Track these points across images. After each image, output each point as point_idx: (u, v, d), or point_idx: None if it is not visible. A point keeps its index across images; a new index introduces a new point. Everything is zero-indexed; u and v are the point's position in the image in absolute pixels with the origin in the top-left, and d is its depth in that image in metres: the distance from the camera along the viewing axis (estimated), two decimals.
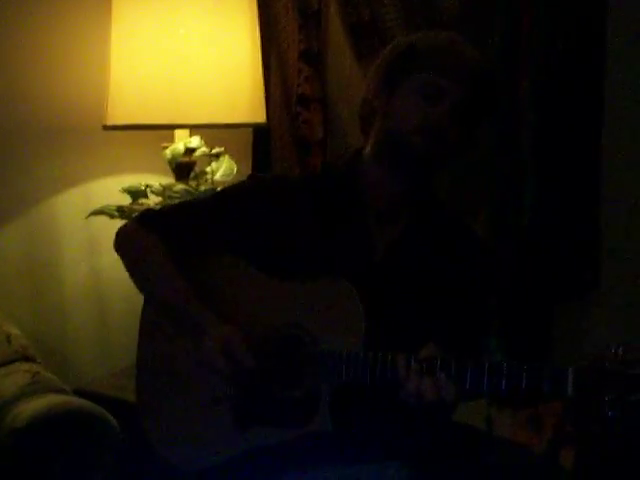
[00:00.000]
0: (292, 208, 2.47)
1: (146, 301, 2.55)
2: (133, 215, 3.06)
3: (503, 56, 3.74)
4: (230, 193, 2.68)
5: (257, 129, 3.57)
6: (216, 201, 2.62)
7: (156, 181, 3.27)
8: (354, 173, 2.45)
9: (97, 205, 3.28)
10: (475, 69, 2.35)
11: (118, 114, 3.22)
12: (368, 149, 2.41)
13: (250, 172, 3.52)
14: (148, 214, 2.63)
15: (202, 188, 3.21)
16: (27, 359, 3.06)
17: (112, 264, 2.61)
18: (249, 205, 2.50)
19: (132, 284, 2.53)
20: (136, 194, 3.22)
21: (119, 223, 2.90)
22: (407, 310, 2.30)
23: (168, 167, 3.28)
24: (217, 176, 3.28)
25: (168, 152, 3.25)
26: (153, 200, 3.18)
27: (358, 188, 2.44)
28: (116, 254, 2.57)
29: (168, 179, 3.28)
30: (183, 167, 3.26)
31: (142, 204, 3.18)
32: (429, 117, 2.31)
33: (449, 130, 2.31)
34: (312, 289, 2.32)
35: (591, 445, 3.15)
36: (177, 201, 3.08)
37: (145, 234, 2.49)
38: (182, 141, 3.25)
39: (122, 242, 2.54)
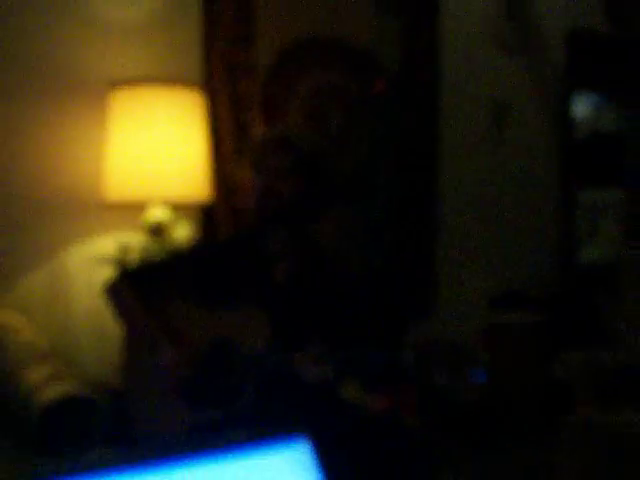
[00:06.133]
0: (218, 261, 2.62)
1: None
2: (120, 264, 3.21)
3: (368, 159, 4.08)
4: (179, 256, 2.93)
5: (205, 203, 3.62)
6: (171, 261, 2.84)
7: (134, 240, 3.38)
8: (257, 234, 2.62)
9: (100, 255, 3.39)
10: (288, 145, 2.48)
11: (111, 193, 3.30)
12: None
13: (200, 234, 3.69)
14: (125, 273, 2.80)
15: (167, 245, 3.30)
16: (51, 360, 3.06)
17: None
18: (190, 262, 2.70)
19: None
20: (124, 248, 3.32)
21: (112, 269, 3.19)
22: (300, 321, 2.43)
23: (145, 230, 3.35)
24: (179, 237, 3.39)
25: (145, 219, 3.35)
26: (134, 253, 3.28)
27: (260, 243, 2.60)
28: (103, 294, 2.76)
29: (144, 238, 3.35)
30: (156, 229, 3.33)
31: (126, 256, 3.27)
32: (258, 184, 2.51)
33: (280, 189, 2.46)
34: (234, 315, 2.45)
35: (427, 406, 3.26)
36: (152, 254, 3.24)
37: (122, 284, 2.67)
38: (155, 212, 3.34)
39: (108, 293, 2.70)
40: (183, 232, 3.40)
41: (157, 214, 3.33)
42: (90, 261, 3.42)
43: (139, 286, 2.62)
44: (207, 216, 3.78)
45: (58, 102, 3.47)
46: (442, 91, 4.49)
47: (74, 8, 3.50)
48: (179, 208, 3.44)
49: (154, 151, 3.23)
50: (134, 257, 3.26)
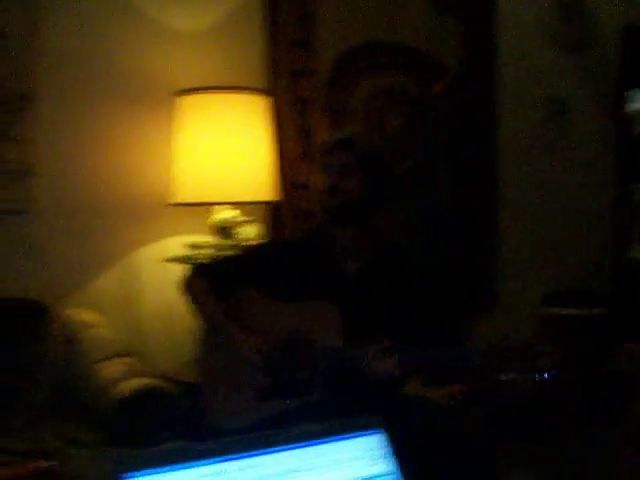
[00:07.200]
0: (291, 257, 2.63)
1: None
2: (192, 262, 3.23)
3: (427, 152, 4.08)
4: (253, 251, 2.95)
5: (271, 204, 3.72)
6: (244, 256, 2.88)
7: (206, 239, 3.43)
8: (328, 231, 2.61)
9: (168, 255, 3.48)
10: (349, 145, 2.50)
11: (180, 195, 3.37)
12: None
13: (267, 233, 3.73)
14: (200, 267, 2.86)
15: (235, 243, 3.35)
16: (125, 355, 3.18)
17: (178, 293, 2.76)
18: (264, 258, 2.71)
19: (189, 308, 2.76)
20: (194, 247, 3.41)
21: (183, 267, 3.22)
22: (369, 316, 2.42)
23: (213, 229, 3.43)
24: (246, 236, 3.43)
25: (214, 220, 3.43)
26: (205, 251, 3.34)
27: (330, 240, 2.59)
28: (179, 289, 2.77)
29: (212, 237, 3.42)
30: (223, 229, 3.40)
31: (198, 254, 3.35)
32: (325, 184, 2.51)
33: (345, 187, 2.46)
34: (306, 307, 2.46)
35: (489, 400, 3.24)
36: (221, 252, 3.28)
37: (198, 281, 2.69)
38: (223, 212, 3.42)
39: (184, 287, 2.74)
40: (250, 232, 3.42)
41: (224, 215, 3.39)
42: (160, 261, 3.49)
43: (213, 279, 2.65)
44: (273, 216, 3.84)
45: (129, 109, 3.57)
46: (499, 90, 4.48)
47: (142, 19, 3.59)
48: (246, 208, 3.48)
49: (221, 154, 3.28)
50: (203, 256, 3.28)
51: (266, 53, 3.84)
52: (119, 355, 3.14)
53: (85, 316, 3.26)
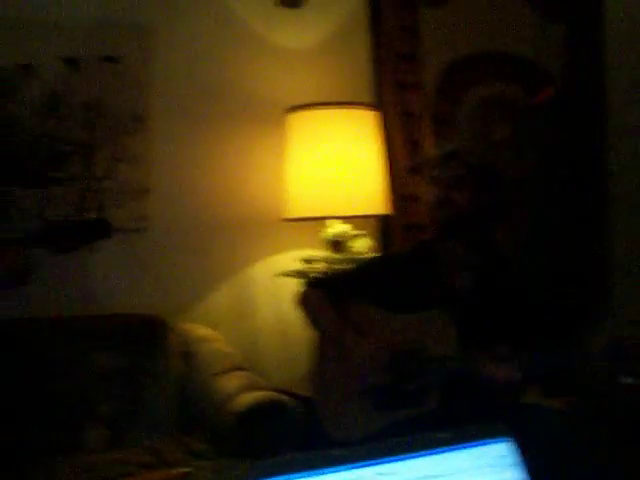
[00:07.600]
0: (402, 270, 2.65)
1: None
2: (305, 276, 3.25)
3: (537, 167, 3.99)
4: (365, 265, 2.98)
5: (382, 217, 3.70)
6: (357, 270, 2.91)
7: (317, 253, 3.48)
8: (436, 243, 2.63)
9: (282, 270, 3.52)
10: (456, 158, 2.54)
11: (292, 210, 3.44)
12: None
13: (378, 246, 3.70)
14: (315, 280, 2.91)
15: (348, 257, 3.37)
16: (241, 369, 3.22)
17: (291, 307, 2.86)
18: (376, 271, 2.75)
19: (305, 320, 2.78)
20: (307, 262, 3.45)
21: (296, 281, 3.27)
22: (483, 323, 2.41)
23: (325, 243, 3.46)
24: (358, 249, 3.43)
25: (326, 234, 3.45)
26: (318, 265, 3.37)
27: (440, 251, 2.60)
28: (295, 302, 2.82)
29: (325, 251, 3.46)
30: (336, 243, 3.43)
31: (311, 269, 3.38)
32: (433, 197, 2.55)
33: (454, 200, 2.49)
34: (419, 318, 2.46)
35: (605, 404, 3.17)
36: (335, 265, 3.31)
37: (314, 292, 2.73)
38: (335, 226, 3.44)
39: (300, 300, 2.78)
40: (362, 245, 3.42)
41: (336, 229, 3.41)
42: (274, 276, 3.55)
43: (329, 293, 2.68)
44: (383, 229, 3.85)
45: (241, 127, 3.66)
46: (609, 94, 4.39)
47: (251, 39, 3.68)
48: (357, 222, 3.49)
49: (331, 169, 3.34)
50: (317, 270, 3.32)
51: (373, 68, 3.88)
52: (235, 369, 3.16)
53: (201, 330, 3.34)
